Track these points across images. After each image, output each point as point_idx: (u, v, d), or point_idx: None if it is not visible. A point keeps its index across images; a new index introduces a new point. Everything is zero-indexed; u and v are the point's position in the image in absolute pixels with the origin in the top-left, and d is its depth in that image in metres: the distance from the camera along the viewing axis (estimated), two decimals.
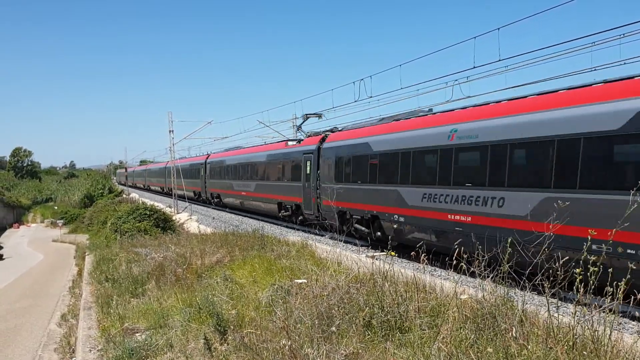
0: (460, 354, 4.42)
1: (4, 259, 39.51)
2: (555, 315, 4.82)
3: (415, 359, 4.61)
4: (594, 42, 13.91)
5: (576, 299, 4.73)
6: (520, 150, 10.80)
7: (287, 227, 23.09)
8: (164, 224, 27.00)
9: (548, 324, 4.70)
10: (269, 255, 11.63)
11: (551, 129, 9.78)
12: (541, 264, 5.36)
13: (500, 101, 12.57)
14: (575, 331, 4.52)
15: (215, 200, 37.59)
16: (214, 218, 32.04)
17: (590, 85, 9.97)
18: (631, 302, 4.94)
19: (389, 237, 11.74)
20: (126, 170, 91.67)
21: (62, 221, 60.86)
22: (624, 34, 13.15)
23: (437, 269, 13.62)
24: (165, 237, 20.70)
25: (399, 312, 5.53)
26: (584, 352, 4.26)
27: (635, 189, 6.45)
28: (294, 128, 38.74)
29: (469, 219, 11.86)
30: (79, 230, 54.84)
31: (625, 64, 13.99)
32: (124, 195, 63.40)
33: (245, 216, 31.12)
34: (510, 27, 17.02)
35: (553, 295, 4.98)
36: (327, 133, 21.62)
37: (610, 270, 4.50)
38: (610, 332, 4.45)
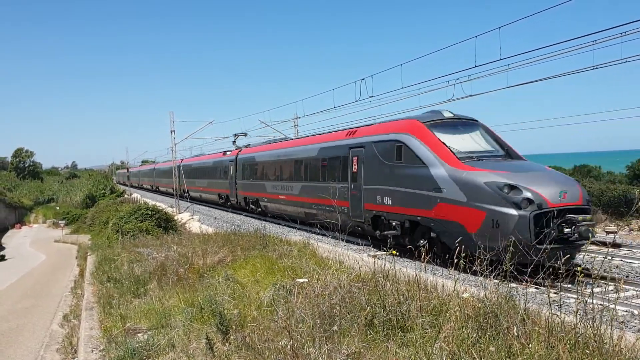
0: (463, 353, 4.42)
1: (6, 259, 39.57)
2: (557, 313, 4.81)
3: (417, 358, 4.60)
4: (596, 41, 13.92)
5: (578, 297, 4.73)
6: (293, 162, 22.17)
7: (287, 226, 23.09)
8: (166, 223, 27.01)
9: (550, 323, 4.69)
10: (270, 255, 11.64)
11: (297, 155, 21.74)
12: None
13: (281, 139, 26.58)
14: (577, 329, 4.51)
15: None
16: (215, 218, 32.05)
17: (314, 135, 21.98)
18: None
19: (265, 211, 25.71)
20: (128, 170, 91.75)
21: (64, 221, 60.92)
22: (625, 32, 13.15)
23: (439, 268, 13.62)
24: (167, 237, 20.71)
25: (401, 311, 5.52)
26: (587, 351, 4.25)
27: (334, 180, 16.91)
28: (295, 128, 41.23)
29: (284, 197, 22.86)
30: (81, 231, 54.90)
31: (626, 62, 13.97)
32: (126, 196, 63.47)
33: (246, 216, 31.16)
34: (511, 26, 17.02)
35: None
36: (241, 147, 32.29)
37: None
38: (612, 330, 4.45)
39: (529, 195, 10.61)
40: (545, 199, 10.60)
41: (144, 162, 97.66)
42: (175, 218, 30.80)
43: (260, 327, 5.86)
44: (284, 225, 23.52)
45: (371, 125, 17.52)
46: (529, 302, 5.49)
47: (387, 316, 5.48)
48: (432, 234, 12.87)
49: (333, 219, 16.17)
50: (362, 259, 9.99)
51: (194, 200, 40.78)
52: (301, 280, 7.19)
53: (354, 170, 16.46)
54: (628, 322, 8.42)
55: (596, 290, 5.03)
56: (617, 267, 11.50)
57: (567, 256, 7.65)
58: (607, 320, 4.55)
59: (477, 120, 14.61)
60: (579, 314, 4.60)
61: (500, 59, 16.59)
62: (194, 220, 31.65)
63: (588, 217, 10.95)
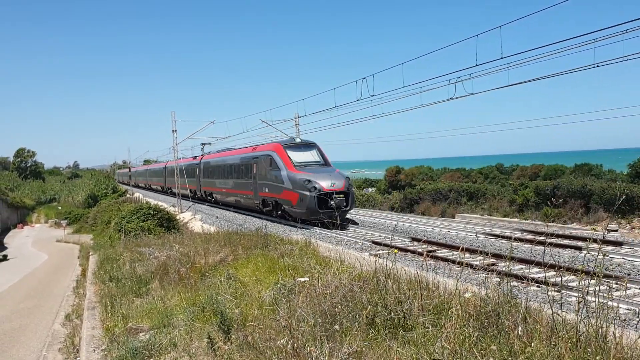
0: (464, 352, 4.41)
1: (8, 259, 39.64)
2: (559, 312, 4.81)
3: (419, 357, 4.60)
4: (597, 39, 13.91)
5: (579, 296, 4.72)
6: (235, 167, 29.87)
7: (288, 225, 23.11)
8: (168, 223, 27.04)
9: (551, 321, 4.69)
10: (272, 254, 11.64)
11: (233, 160, 30.75)
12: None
13: (230, 149, 35.99)
14: (579, 328, 4.51)
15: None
16: (217, 217, 32.05)
17: (238, 148, 33.24)
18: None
19: (217, 201, 36.62)
20: (129, 170, 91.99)
21: (66, 221, 61.05)
22: (626, 30, 13.13)
23: (440, 266, 13.62)
24: (169, 237, 20.73)
25: (402, 310, 5.52)
26: (588, 349, 4.25)
27: (246, 178, 27.84)
28: (296, 127, 42.51)
29: (224, 190, 32.25)
30: (83, 230, 54.97)
31: (627, 60, 13.95)
32: (128, 195, 63.51)
33: (248, 215, 31.17)
34: (512, 25, 17.01)
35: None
36: (204, 154, 42.53)
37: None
38: (614, 328, 4.45)
39: (316, 185, 21.21)
40: (323, 187, 21.17)
41: (146, 161, 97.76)
42: (177, 217, 30.84)
43: (262, 326, 5.86)
44: (285, 224, 23.54)
45: (263, 144, 29.10)
46: (530, 301, 5.49)
47: (389, 315, 5.48)
48: (284, 207, 23.81)
49: (250, 204, 28.83)
50: (363, 257, 10.00)
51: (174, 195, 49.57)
52: (302, 280, 7.19)
53: (254, 172, 26.95)
54: (630, 320, 8.42)
55: (598, 288, 5.03)
56: (618, 265, 11.49)
57: (335, 214, 19.08)
58: (609, 318, 4.55)
59: (315, 143, 25.79)
60: (581, 313, 4.60)
61: (502, 58, 16.60)
62: (195, 219, 31.67)
63: (341, 196, 21.55)
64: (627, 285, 10.38)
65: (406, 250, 16.10)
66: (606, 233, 18.51)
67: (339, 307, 5.73)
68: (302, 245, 13.25)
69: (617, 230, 19.11)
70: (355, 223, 24.87)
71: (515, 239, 16.85)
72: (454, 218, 29.30)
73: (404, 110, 25.86)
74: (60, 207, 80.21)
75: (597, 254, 4.94)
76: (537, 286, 10.34)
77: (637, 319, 8.21)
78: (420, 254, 15.26)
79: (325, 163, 24.26)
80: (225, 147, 41.12)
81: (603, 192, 23.71)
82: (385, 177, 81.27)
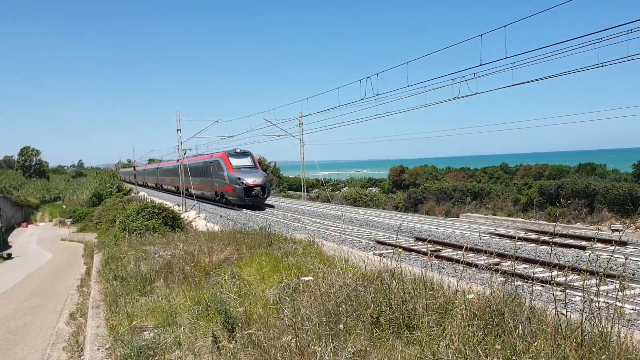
0: (469, 351, 4.42)
1: (12, 257, 39.77)
2: (563, 311, 4.81)
3: (423, 356, 4.61)
4: (601, 38, 13.89)
5: (584, 295, 4.71)
6: (193, 168, 43.03)
7: (292, 224, 23.15)
8: (173, 222, 27.12)
9: (556, 321, 4.68)
10: (276, 253, 11.65)
11: (192, 166, 43.52)
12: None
13: (202, 154, 47.85)
14: (583, 327, 4.50)
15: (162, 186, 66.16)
16: (221, 216, 32.10)
17: (207, 154, 45.45)
18: None
19: (188, 193, 42.78)
20: (134, 169, 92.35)
21: (70, 220, 61.16)
22: (631, 30, 13.10)
23: (445, 266, 13.62)
24: (173, 235, 20.76)
25: (407, 310, 5.52)
26: (593, 349, 4.25)
27: (204, 177, 41.89)
28: (300, 127, 44.16)
29: (196, 186, 42.26)
30: (88, 229, 55.12)
31: (632, 59, 13.92)
32: (133, 194, 63.68)
33: (252, 214, 31.19)
34: (516, 25, 17.00)
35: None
36: (184, 157, 46.01)
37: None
38: (619, 328, 4.44)
39: (243, 181, 33.96)
40: (248, 183, 33.96)
41: (151, 160, 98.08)
42: (182, 216, 30.90)
43: (266, 325, 5.87)
44: (289, 223, 23.56)
45: (216, 152, 39.88)
46: (534, 300, 5.48)
47: (393, 314, 5.48)
48: (225, 196, 37.07)
49: (208, 195, 42.09)
50: (367, 257, 9.99)
51: (165, 190, 61.77)
52: (306, 279, 7.20)
53: (210, 172, 39.34)
54: (635, 320, 8.40)
55: (603, 288, 5.02)
56: (622, 265, 11.47)
57: (257, 201, 35.24)
58: (613, 318, 4.54)
59: (249, 152, 37.68)
60: (585, 312, 4.59)
61: (506, 57, 16.60)
62: (200, 218, 31.75)
63: (259, 188, 34.38)
64: (631, 284, 10.36)
65: (410, 250, 16.10)
66: (611, 233, 18.45)
67: (343, 306, 5.74)
68: (305, 244, 13.25)
69: (621, 230, 19.05)
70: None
71: (520, 239, 16.84)
72: (458, 218, 29.27)
73: (408, 110, 25.99)
74: (64, 206, 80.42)
75: (600, 253, 4.94)
76: (542, 286, 10.33)
77: None
78: (425, 253, 15.26)
79: (254, 166, 37.41)
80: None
81: (607, 192, 23.64)
82: (389, 177, 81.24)
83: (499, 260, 13.76)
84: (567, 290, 7.21)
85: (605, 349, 4.24)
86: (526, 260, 13.40)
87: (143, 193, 61.61)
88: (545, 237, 17.23)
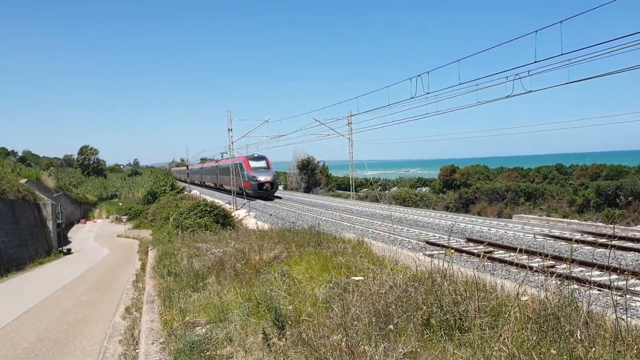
0: (522, 355, 4.31)
1: (72, 253, 41.32)
2: (623, 317, 4.62)
3: (475, 359, 4.53)
4: None
5: None
6: (220, 169, 59.66)
7: (341, 223, 23.16)
8: (224, 220, 27.55)
9: (616, 327, 4.51)
10: (325, 252, 11.67)
11: (219, 167, 59.72)
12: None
13: (217, 160, 66.42)
14: None
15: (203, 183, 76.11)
16: (270, 215, 32.44)
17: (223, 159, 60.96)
18: None
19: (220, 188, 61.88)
20: (187, 168, 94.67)
21: (126, 217, 63.11)
22: None
23: (497, 268, 13.35)
24: (224, 233, 21.08)
25: (459, 312, 5.44)
26: None
27: (229, 175, 48.35)
28: (349, 126, 44.53)
29: (220, 184, 60.75)
30: (143, 226, 56.75)
31: None
32: (185, 192, 65.15)
33: (301, 212, 31.36)
34: (573, 20, 16.48)
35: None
36: (219, 159, 63.75)
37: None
38: None
39: (257, 178, 46.16)
40: (261, 180, 46.10)
41: (203, 160, 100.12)
42: (233, 214, 31.36)
43: (316, 323, 5.89)
44: (338, 222, 23.58)
45: (239, 157, 48.50)
46: (592, 305, 5.30)
47: (445, 316, 5.41)
48: (244, 190, 45.88)
49: (229, 187, 47.00)
50: (417, 258, 9.90)
51: (206, 187, 72.98)
52: (356, 278, 7.19)
53: (234, 172, 44.42)
54: None
55: None
56: None
57: (267, 194, 47.13)
58: None
59: (264, 156, 49.65)
60: None
61: (562, 54, 16.12)
62: (250, 216, 32.15)
63: (269, 184, 46.57)
64: None
65: (461, 251, 15.85)
66: None
67: (394, 307, 5.70)
68: (355, 243, 13.23)
69: None
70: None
71: (576, 241, 16.33)
72: (511, 219, 28.62)
73: (460, 108, 25.63)
74: (120, 203, 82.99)
75: None
76: (599, 290, 10.00)
77: None
78: (476, 254, 15.01)
79: (267, 167, 48.79)
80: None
81: None
82: (440, 177, 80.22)
83: (553, 262, 13.38)
84: (627, 295, 6.93)
85: None
86: (582, 263, 12.98)
87: (195, 191, 62.95)
88: (603, 240, 16.65)
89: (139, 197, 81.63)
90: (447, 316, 5.42)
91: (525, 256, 14.25)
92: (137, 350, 9.23)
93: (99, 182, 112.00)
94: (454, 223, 23.90)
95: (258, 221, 28.95)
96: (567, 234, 19.07)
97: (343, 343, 4.72)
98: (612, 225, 21.12)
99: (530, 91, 18.73)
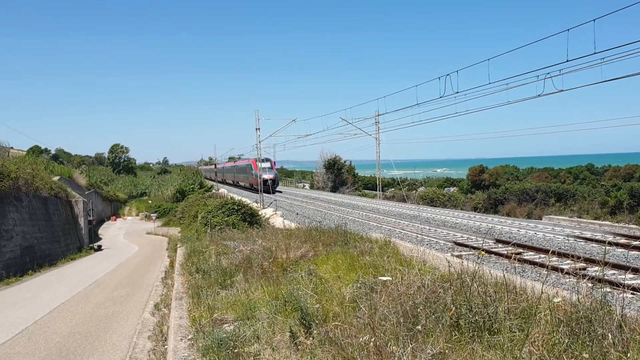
0: (553, 359, 4.25)
1: (102, 249, 42.04)
2: None
3: None
4: None
5: None
6: (236, 168, 77.96)
7: (368, 223, 23.11)
8: (251, 218, 27.72)
9: None
10: (351, 252, 11.65)
11: (235, 167, 79.22)
12: None
13: (235, 159, 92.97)
14: None
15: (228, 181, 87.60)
16: (297, 214, 32.54)
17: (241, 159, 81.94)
18: None
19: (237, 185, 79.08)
20: (215, 167, 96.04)
21: (155, 214, 63.97)
22: None
23: (526, 269, 13.16)
24: (252, 231, 21.21)
25: (488, 313, 5.37)
26: None
27: (244, 174, 70.10)
28: (376, 125, 44.39)
29: (239, 180, 74.90)
30: (171, 224, 57.44)
31: None
32: (214, 191, 65.87)
33: (327, 212, 31.37)
34: (607, 18, 16.15)
35: None
36: (236, 159, 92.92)
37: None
38: None
39: (263, 176, 52.71)
40: (265, 177, 54.20)
41: (231, 158, 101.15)
42: (260, 213, 31.53)
43: (343, 322, 5.88)
44: (364, 222, 23.54)
45: (250, 159, 65.70)
46: (625, 308, 5.18)
47: (474, 317, 5.35)
48: (253, 185, 61.43)
49: (246, 185, 69.43)
50: (445, 259, 9.82)
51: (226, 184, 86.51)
52: (384, 278, 7.16)
53: (246, 171, 67.22)
54: None
55: None
56: None
57: (270, 188, 57.99)
58: None
59: (269, 159, 61.93)
60: None
61: (595, 53, 15.83)
62: (277, 215, 32.29)
63: (271, 180, 58.57)
64: None
65: (490, 252, 15.68)
66: None
67: (422, 307, 5.67)
68: (382, 243, 13.19)
69: None
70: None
71: (608, 243, 16.02)
72: (540, 220, 28.20)
73: (489, 108, 25.48)
74: (150, 201, 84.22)
75: None
76: (632, 293, 9.79)
77: None
78: (505, 256, 14.82)
79: (271, 168, 59.93)
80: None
81: None
82: (468, 177, 79.46)
83: (585, 265, 13.15)
84: None
85: None
86: (615, 266, 12.72)
87: (223, 190, 63.63)
88: (637, 242, 16.28)
89: (168, 195, 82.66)
90: (477, 317, 5.36)
91: (555, 258, 14.03)
92: (165, 347, 9.33)
93: (129, 180, 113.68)
94: (482, 224, 23.65)
95: (285, 220, 29.08)
96: (598, 236, 18.70)
97: (371, 343, 4.71)
98: None
99: (562, 90, 18.45)
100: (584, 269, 12.63)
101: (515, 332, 4.97)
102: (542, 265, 13.22)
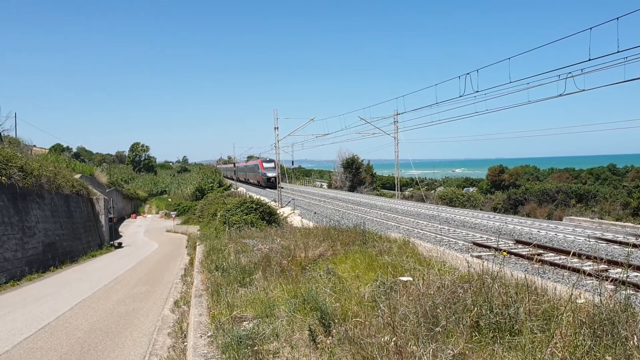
0: None
1: (123, 246, 42.49)
2: None
3: None
4: None
5: None
6: (247, 168, 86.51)
7: (386, 222, 23.04)
8: (269, 217, 27.79)
9: None
10: (370, 251, 11.63)
11: (246, 167, 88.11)
12: None
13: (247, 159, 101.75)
14: None
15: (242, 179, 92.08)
16: (315, 213, 32.55)
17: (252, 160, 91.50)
18: None
19: (248, 181, 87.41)
20: (235, 166, 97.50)
21: (175, 212, 64.48)
22: None
23: (547, 271, 13.03)
24: (270, 230, 21.25)
25: (509, 314, 5.34)
26: None
27: (253, 172, 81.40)
28: (395, 124, 44.33)
29: (250, 178, 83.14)
30: (191, 222, 57.89)
31: None
32: (232, 189, 66.41)
33: (345, 211, 31.33)
34: (631, 16, 15.93)
35: None
36: (248, 159, 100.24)
37: None
38: None
39: (267, 174, 69.97)
40: (269, 175, 69.29)
41: (249, 157, 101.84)
42: (278, 212, 31.61)
43: (362, 322, 5.88)
44: (383, 221, 23.47)
45: (258, 159, 79.94)
46: None
47: (495, 318, 5.32)
48: (259, 182, 74.43)
49: (254, 181, 78.76)
50: (465, 259, 9.76)
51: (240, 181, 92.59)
52: (405, 279, 7.14)
53: (254, 170, 78.36)
54: None
55: None
56: None
57: (273, 185, 61.90)
58: None
59: (273, 160, 66.72)
60: None
61: (618, 52, 15.63)
62: (295, 214, 32.36)
63: (274, 178, 63.16)
64: None
65: (510, 253, 15.55)
66: None
67: (441, 308, 5.64)
68: (400, 243, 13.15)
69: None
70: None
71: (632, 245, 15.79)
72: (561, 220, 27.88)
73: (509, 107, 25.22)
74: (170, 199, 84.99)
75: None
76: None
77: None
78: (526, 257, 14.69)
79: (274, 167, 64.22)
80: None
81: None
82: (488, 177, 78.81)
83: (606, 267, 12.98)
84: None
85: None
86: (639, 268, 12.54)
87: (242, 188, 64.12)
88: None
89: (187, 194, 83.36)
90: (497, 318, 5.33)
91: (576, 259, 13.87)
92: (185, 343, 9.40)
93: (149, 178, 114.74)
94: (501, 224, 23.45)
95: (303, 219, 29.13)
96: (620, 238, 18.44)
97: (392, 343, 4.70)
98: None
99: (584, 90, 18.24)
100: (606, 270, 12.47)
101: (536, 334, 4.92)
102: (563, 267, 13.08)
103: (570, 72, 18.19)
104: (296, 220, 29.67)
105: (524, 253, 15.33)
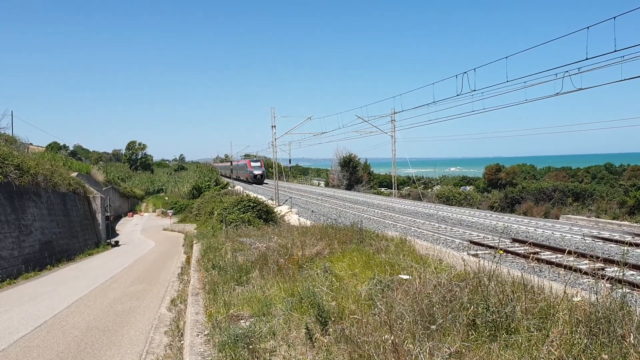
0: (571, 359, 4.21)
1: (119, 245, 42.42)
2: None
3: None
4: None
5: None
6: (238, 166, 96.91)
7: (383, 221, 23.05)
8: (266, 215, 27.77)
9: None
10: (367, 250, 11.63)
11: (237, 165, 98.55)
12: None
13: (250, 157, 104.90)
14: None
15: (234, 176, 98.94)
16: (312, 211, 32.56)
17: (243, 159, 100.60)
18: None
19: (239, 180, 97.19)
20: (231, 164, 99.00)
21: (172, 211, 64.30)
22: None
23: (543, 269, 13.05)
24: (267, 228, 21.24)
25: (505, 313, 5.34)
26: None
27: (243, 171, 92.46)
28: (392, 123, 44.44)
29: (238, 176, 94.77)
30: (188, 220, 57.77)
31: None
32: (229, 188, 66.17)
33: (342, 209, 31.35)
34: (628, 15, 15.98)
35: None
36: (239, 159, 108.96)
37: None
38: None
39: (253, 172, 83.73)
40: (255, 173, 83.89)
41: (246, 156, 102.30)
42: (275, 210, 31.60)
43: (359, 320, 5.88)
44: (380, 220, 23.48)
45: (246, 159, 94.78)
46: None
47: (491, 317, 5.32)
48: (247, 179, 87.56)
49: (244, 178, 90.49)
50: (462, 257, 9.78)
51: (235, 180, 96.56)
52: (404, 277, 7.13)
53: (244, 169, 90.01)
54: None
55: None
56: None
57: (259, 181, 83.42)
58: None
59: (260, 159, 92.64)
60: None
61: (615, 51, 15.67)
62: (292, 213, 32.35)
63: (260, 175, 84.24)
64: None
65: (507, 251, 15.58)
66: None
67: (438, 306, 5.65)
68: (397, 242, 13.14)
69: None
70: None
71: (628, 243, 15.83)
72: (557, 219, 27.95)
73: (506, 106, 25.40)
74: (166, 198, 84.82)
75: None
76: None
77: None
78: (522, 255, 14.72)
79: (261, 166, 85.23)
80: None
81: None
82: (485, 175, 78.93)
83: (603, 265, 13.01)
84: None
85: None
86: (635, 267, 12.58)
87: (239, 187, 63.90)
88: None
89: (184, 192, 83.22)
90: (494, 317, 5.33)
91: (573, 258, 13.90)
92: (182, 342, 9.39)
93: (146, 176, 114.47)
94: (498, 223, 23.49)
95: (300, 217, 29.12)
96: (617, 236, 18.49)
97: (389, 341, 4.71)
98: None
99: (581, 89, 18.30)
100: (603, 269, 12.50)
101: (533, 332, 4.94)
102: (559, 265, 13.11)
103: (567, 71, 18.26)
104: (293, 218, 29.67)
105: (520, 251, 15.36)
